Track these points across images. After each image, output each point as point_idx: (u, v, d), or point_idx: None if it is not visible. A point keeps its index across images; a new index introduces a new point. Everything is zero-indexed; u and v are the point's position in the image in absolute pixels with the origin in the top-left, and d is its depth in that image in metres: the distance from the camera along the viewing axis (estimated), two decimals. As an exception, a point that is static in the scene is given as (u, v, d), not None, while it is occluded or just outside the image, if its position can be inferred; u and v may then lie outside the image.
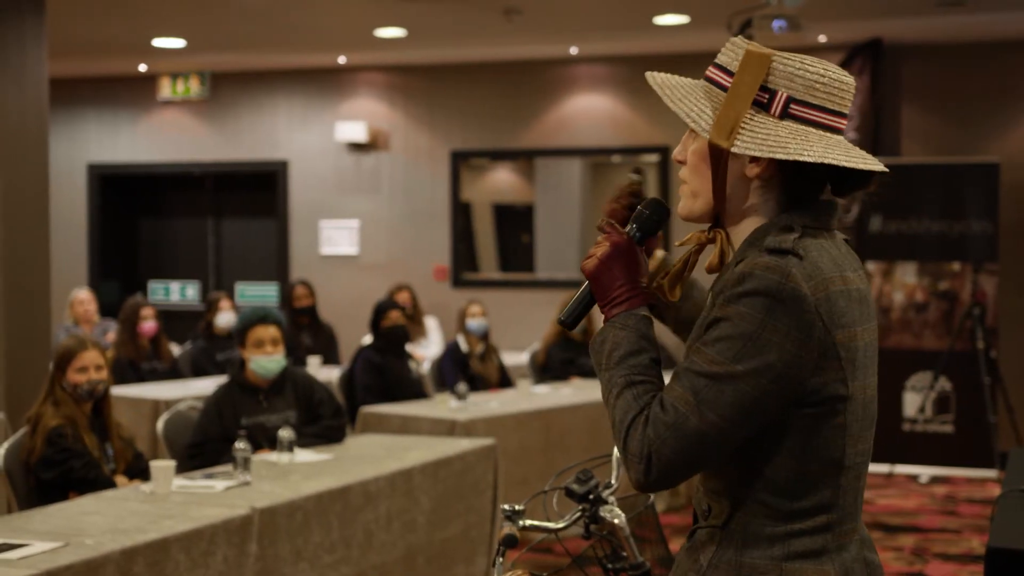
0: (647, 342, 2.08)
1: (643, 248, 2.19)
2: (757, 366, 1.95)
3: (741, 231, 2.13)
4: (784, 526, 2.03)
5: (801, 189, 2.09)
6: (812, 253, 2.01)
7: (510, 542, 2.74)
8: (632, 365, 2.05)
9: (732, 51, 2.11)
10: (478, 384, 8.82)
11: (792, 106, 2.06)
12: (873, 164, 2.08)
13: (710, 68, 2.13)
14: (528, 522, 2.91)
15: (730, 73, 2.09)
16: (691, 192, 2.15)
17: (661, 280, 2.21)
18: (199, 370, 9.25)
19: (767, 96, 2.06)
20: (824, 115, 2.07)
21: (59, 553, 3.76)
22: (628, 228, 2.18)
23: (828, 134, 2.07)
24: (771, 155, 2.03)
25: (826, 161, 2.01)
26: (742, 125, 2.05)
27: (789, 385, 1.97)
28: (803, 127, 2.06)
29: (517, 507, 2.85)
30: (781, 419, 2.00)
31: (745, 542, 2.05)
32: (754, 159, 2.07)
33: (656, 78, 2.15)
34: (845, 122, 2.10)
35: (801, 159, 2.02)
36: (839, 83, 2.08)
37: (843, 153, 2.04)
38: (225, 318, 9.51)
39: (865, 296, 2.09)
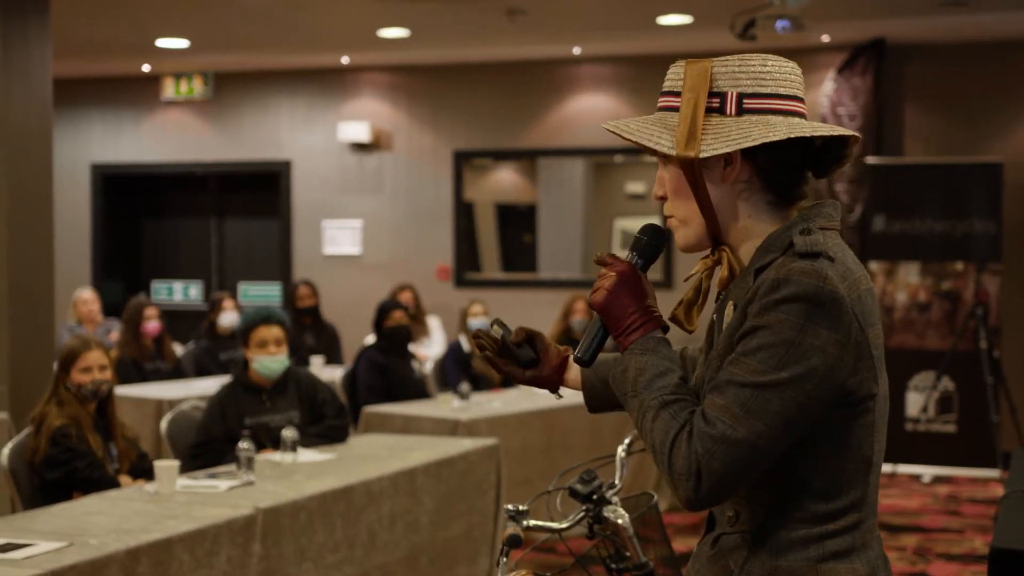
0: (671, 362, 2.07)
1: (646, 275, 2.18)
2: (802, 372, 1.94)
3: (742, 240, 2.13)
4: (819, 527, 2.03)
5: (783, 180, 2.10)
6: (839, 253, 2.02)
7: (514, 542, 2.75)
8: (662, 386, 2.03)
9: (674, 73, 2.13)
10: (480, 384, 8.83)
11: (745, 101, 2.07)
12: (841, 130, 2.09)
13: (660, 98, 2.15)
14: (532, 522, 2.91)
15: (676, 94, 2.11)
16: (681, 221, 2.15)
17: (676, 311, 2.20)
18: (202, 370, 9.26)
19: (718, 100, 2.08)
20: (779, 101, 2.08)
21: (63, 553, 3.77)
22: (629, 256, 2.18)
23: (788, 118, 2.08)
24: (738, 147, 2.03)
25: (793, 135, 2.02)
26: (703, 132, 2.06)
27: (832, 388, 1.97)
28: (762, 116, 2.07)
29: (521, 507, 2.86)
30: (819, 421, 2.00)
31: (780, 546, 2.04)
32: (728, 163, 2.08)
33: (609, 124, 2.16)
34: (802, 105, 2.11)
35: (768, 140, 2.02)
36: (783, 70, 2.09)
37: (806, 127, 2.05)
38: (228, 318, 9.51)
39: (875, 295, 2.10)
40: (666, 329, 2.13)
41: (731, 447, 1.94)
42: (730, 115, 2.07)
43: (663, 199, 2.17)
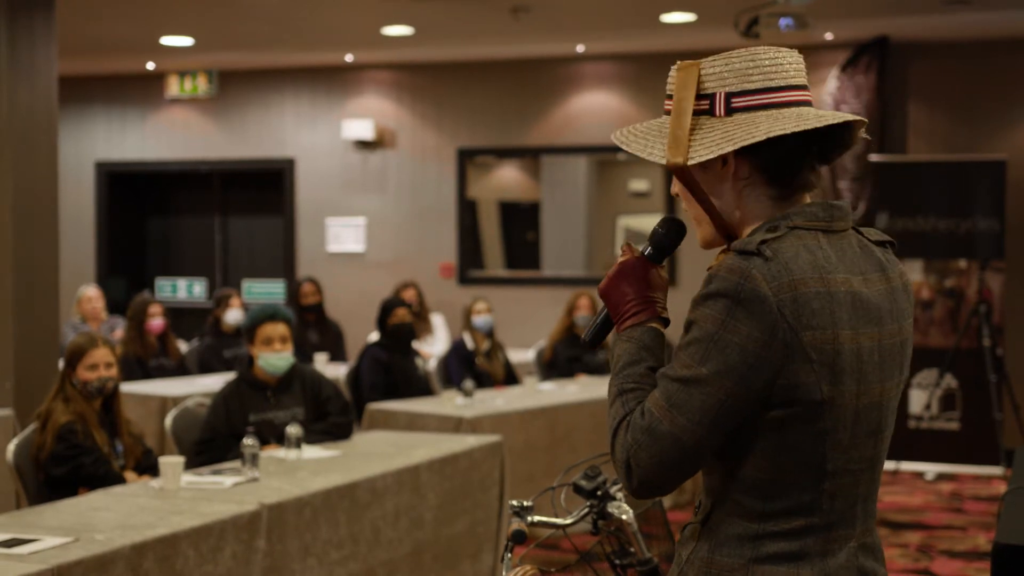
0: (647, 352, 2.09)
1: (661, 266, 2.19)
2: (720, 368, 1.95)
3: (745, 229, 2.14)
4: (756, 526, 2.03)
5: (784, 171, 2.08)
6: (786, 253, 1.99)
7: (518, 538, 2.76)
8: (627, 375, 2.08)
9: (672, 76, 2.14)
10: (484, 381, 8.84)
11: (733, 100, 2.07)
12: (831, 118, 2.06)
13: (665, 102, 2.16)
14: (536, 518, 2.92)
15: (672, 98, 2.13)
16: (695, 220, 2.18)
17: None
18: (206, 367, 9.27)
19: (707, 102, 2.09)
20: (769, 95, 2.07)
21: (69, 548, 3.78)
22: (643, 247, 2.20)
23: (779, 111, 2.06)
24: (720, 152, 2.03)
25: (772, 135, 2.01)
26: (692, 137, 2.07)
27: (754, 386, 1.97)
28: (751, 114, 2.06)
29: (525, 503, 2.87)
30: (752, 419, 2.00)
31: (718, 540, 2.06)
32: (725, 163, 2.08)
33: (616, 136, 2.18)
34: (801, 93, 2.10)
35: (747, 143, 2.02)
36: (773, 61, 2.09)
37: (792, 122, 2.04)
38: (233, 315, 9.51)
39: (867, 300, 2.05)
40: (666, 322, 2.15)
41: (656, 440, 1.98)
42: (719, 116, 2.08)
43: (677, 196, 2.19)
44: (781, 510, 2.02)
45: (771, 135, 2.02)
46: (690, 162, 2.05)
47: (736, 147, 2.03)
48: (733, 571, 2.02)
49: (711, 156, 2.04)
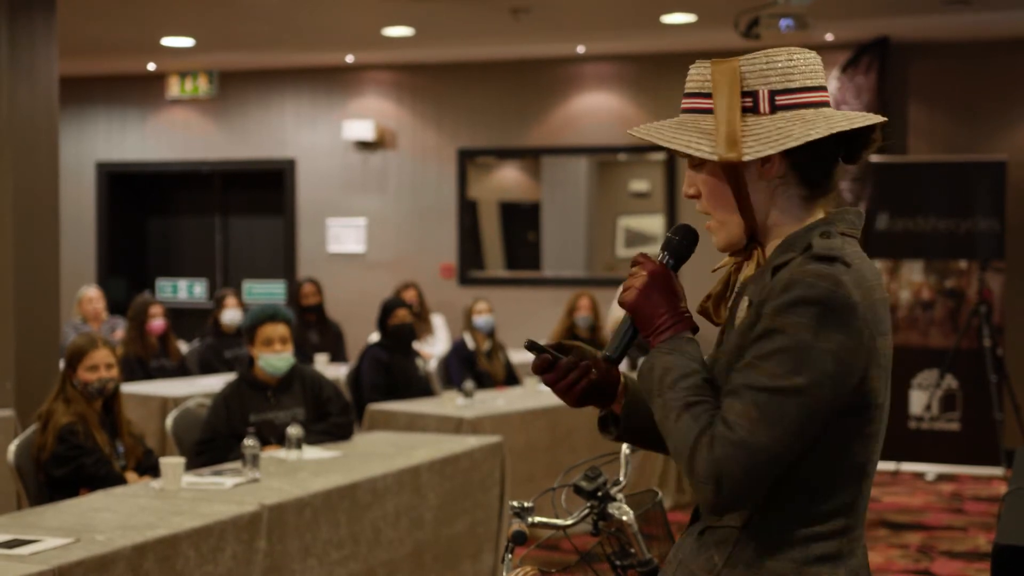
0: (698, 364, 2.06)
1: (676, 275, 2.17)
2: (816, 378, 1.93)
3: (771, 237, 2.13)
4: (806, 529, 2.03)
5: (817, 172, 2.10)
6: (856, 260, 2.02)
7: (519, 539, 2.76)
8: (687, 387, 2.02)
9: (698, 74, 2.12)
10: (485, 381, 8.83)
11: (777, 98, 2.07)
12: (873, 118, 2.09)
13: (684, 100, 2.14)
14: (537, 519, 2.92)
15: (705, 95, 2.10)
16: (719, 222, 2.14)
17: (705, 304, 2.20)
18: (207, 367, 9.27)
19: (751, 99, 2.08)
20: (809, 94, 2.09)
21: (70, 549, 3.78)
22: (660, 256, 2.16)
23: (819, 110, 2.08)
24: (782, 148, 2.03)
25: (833, 131, 2.03)
26: (742, 133, 2.05)
27: (843, 394, 1.97)
28: (796, 112, 2.07)
29: (526, 504, 2.87)
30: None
31: (766, 544, 2.03)
32: (767, 162, 2.07)
33: (639, 130, 2.14)
34: (827, 94, 2.12)
35: (810, 139, 2.02)
36: (807, 61, 2.10)
37: (842, 119, 2.06)
38: (230, 315, 9.51)
39: (888, 305, 2.10)
40: (695, 330, 2.13)
41: (751, 452, 1.93)
42: (764, 114, 2.07)
43: (694, 197, 2.16)
44: (827, 512, 2.04)
45: (833, 131, 2.03)
46: (745, 158, 2.04)
47: (798, 143, 2.03)
48: (784, 575, 2.02)
49: (771, 152, 2.03)
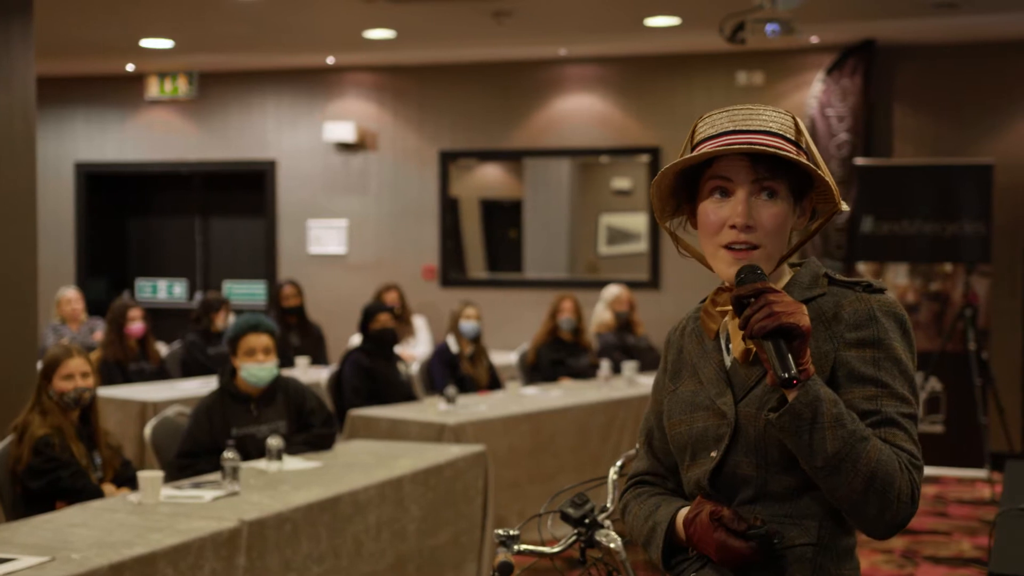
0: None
1: None
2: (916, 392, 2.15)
3: (776, 275, 2.22)
4: (853, 537, 2.18)
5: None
6: None
7: (506, 570, 2.70)
8: (853, 417, 2.05)
9: (773, 119, 2.18)
10: (468, 385, 8.77)
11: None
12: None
13: (756, 136, 2.14)
14: (523, 547, 2.86)
15: (787, 139, 2.17)
16: (768, 255, 2.16)
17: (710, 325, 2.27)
18: (190, 362, 9.20)
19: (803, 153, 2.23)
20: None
21: (45, 569, 3.71)
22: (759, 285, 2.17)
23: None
24: (843, 202, 2.21)
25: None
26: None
27: None
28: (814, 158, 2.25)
29: (512, 532, 2.80)
30: None
31: (836, 557, 2.15)
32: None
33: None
34: None
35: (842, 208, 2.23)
36: None
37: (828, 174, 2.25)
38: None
39: None
40: None
41: (921, 473, 2.09)
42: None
43: (750, 228, 2.14)
44: (850, 524, 2.17)
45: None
46: (843, 207, 2.22)
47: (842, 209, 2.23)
48: None
49: (846, 207, 2.23)
